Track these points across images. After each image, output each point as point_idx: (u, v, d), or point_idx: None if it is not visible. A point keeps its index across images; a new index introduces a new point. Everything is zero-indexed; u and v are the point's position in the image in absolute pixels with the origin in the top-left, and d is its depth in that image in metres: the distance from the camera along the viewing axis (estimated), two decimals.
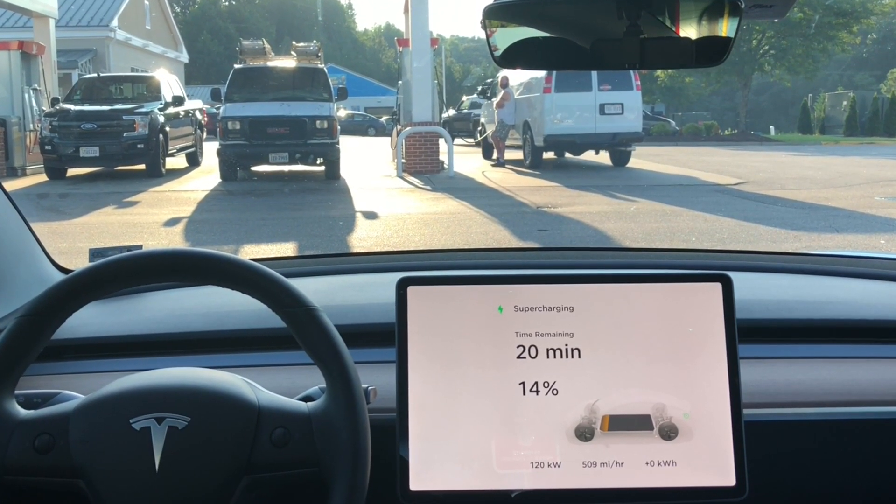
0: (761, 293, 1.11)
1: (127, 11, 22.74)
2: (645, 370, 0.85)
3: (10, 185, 10.49)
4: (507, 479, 0.83)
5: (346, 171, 11.70)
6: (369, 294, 1.13)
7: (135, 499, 0.73)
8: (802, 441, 0.90)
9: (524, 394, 0.85)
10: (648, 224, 7.64)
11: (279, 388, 0.84)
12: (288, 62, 12.77)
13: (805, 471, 0.91)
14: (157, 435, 0.74)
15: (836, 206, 8.51)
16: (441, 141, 12.36)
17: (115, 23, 21.87)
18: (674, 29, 0.89)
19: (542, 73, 12.42)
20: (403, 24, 14.57)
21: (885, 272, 1.20)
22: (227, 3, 48.13)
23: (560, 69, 1.24)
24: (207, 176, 11.90)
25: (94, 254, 1.16)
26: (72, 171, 11.73)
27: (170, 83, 13.50)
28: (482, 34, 0.90)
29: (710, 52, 0.88)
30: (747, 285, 1.09)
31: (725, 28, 0.87)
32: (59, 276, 1.20)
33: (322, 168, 11.35)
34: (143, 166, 11.67)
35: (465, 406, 0.85)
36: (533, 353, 0.85)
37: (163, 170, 11.91)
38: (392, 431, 0.84)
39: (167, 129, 12.07)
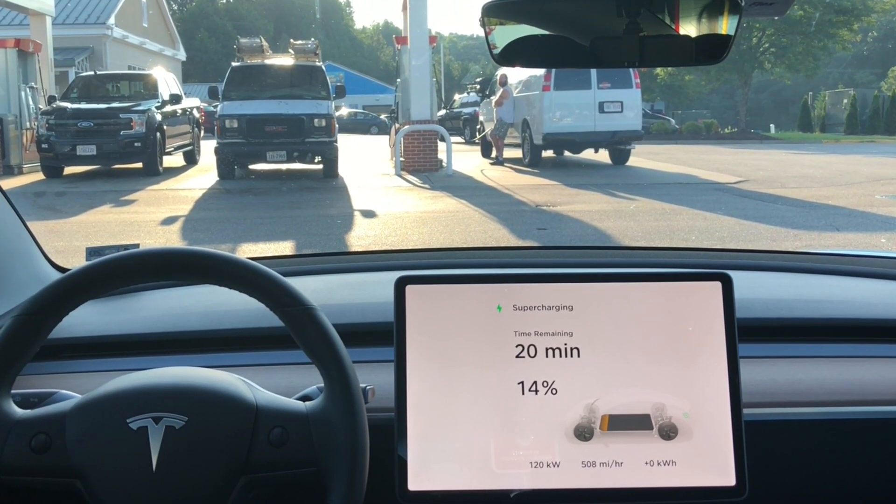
0: (761, 292, 1.10)
1: (124, 9, 22.70)
2: (644, 370, 0.85)
3: (7, 184, 10.50)
4: (505, 479, 0.83)
5: (344, 169, 11.70)
6: (367, 293, 1.13)
7: (132, 499, 0.73)
8: (803, 441, 0.90)
9: (523, 393, 0.84)
10: (648, 223, 7.64)
11: (277, 387, 0.84)
12: (286, 60, 12.76)
13: (805, 471, 0.90)
14: (155, 435, 0.74)
15: (837, 205, 8.52)
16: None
17: (111, 20, 21.84)
18: (673, 27, 0.89)
19: (541, 71, 12.42)
20: (402, 21, 14.56)
21: (885, 271, 1.20)
22: (224, 1, 48.07)
23: (559, 67, 1.24)
24: (205, 174, 11.89)
25: (91, 252, 1.16)
26: (69, 170, 11.72)
27: (167, 81, 13.48)
28: (481, 32, 0.90)
29: (710, 49, 0.88)
30: (747, 284, 1.09)
31: (725, 26, 0.87)
32: (56, 275, 1.20)
33: (320, 166, 11.34)
34: (140, 165, 11.66)
35: (463, 406, 0.84)
36: (532, 353, 0.85)
37: (160, 168, 11.90)
38: (390, 431, 0.84)
39: (164, 127, 12.06)
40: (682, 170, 12.75)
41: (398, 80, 14.44)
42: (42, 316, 0.76)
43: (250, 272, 0.77)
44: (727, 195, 9.57)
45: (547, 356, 0.85)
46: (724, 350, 0.85)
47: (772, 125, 31.19)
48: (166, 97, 12.58)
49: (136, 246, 0.88)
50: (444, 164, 12.10)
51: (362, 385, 0.79)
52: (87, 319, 1.06)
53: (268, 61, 12.56)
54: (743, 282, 0.97)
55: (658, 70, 27.25)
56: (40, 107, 12.43)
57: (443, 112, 22.93)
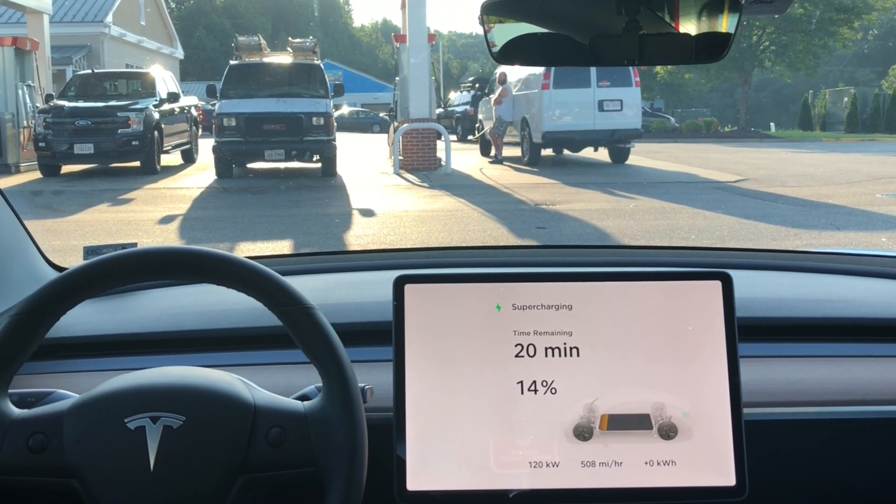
0: (761, 291, 1.10)
1: (121, 7, 22.67)
2: (644, 369, 0.84)
3: (4, 182, 10.50)
4: (505, 479, 0.83)
5: (342, 167, 11.69)
6: (366, 292, 1.12)
7: (129, 499, 0.73)
8: (803, 440, 0.90)
9: (522, 393, 0.84)
10: (648, 222, 7.64)
11: (275, 387, 0.84)
12: (284, 58, 12.74)
13: (805, 470, 0.90)
14: (152, 434, 0.74)
15: (837, 204, 8.52)
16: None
17: (109, 18, 21.81)
18: (673, 25, 0.89)
19: (540, 70, 12.41)
20: (400, 19, 14.54)
21: (886, 270, 1.20)
22: None
23: (558, 65, 1.24)
24: (203, 173, 11.88)
25: (89, 252, 1.16)
26: (66, 168, 11.70)
27: (165, 79, 13.46)
28: (480, 30, 0.89)
29: (710, 48, 0.87)
30: (747, 283, 1.08)
31: (725, 24, 0.86)
32: (53, 274, 1.20)
33: (318, 165, 11.33)
34: (137, 163, 11.65)
35: (462, 405, 0.84)
36: (531, 352, 0.85)
37: (158, 167, 11.89)
38: (389, 431, 0.83)
39: (162, 125, 12.05)
40: (681, 168, 12.75)
41: (397, 78, 14.43)
42: (39, 315, 0.76)
43: (248, 271, 0.77)
44: (727, 194, 9.57)
45: (546, 356, 0.85)
46: (724, 349, 0.84)
47: (772, 124, 31.20)
48: (164, 95, 12.56)
49: (134, 245, 0.88)
50: (443, 163, 12.09)
51: (361, 385, 0.78)
52: (84, 319, 1.06)
53: (266, 59, 12.54)
54: (743, 281, 0.97)
55: (658, 68, 27.25)
56: (37, 105, 12.40)
57: (439, 110, 22.98)
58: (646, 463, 0.83)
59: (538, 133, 12.70)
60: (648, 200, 8.95)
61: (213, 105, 11.97)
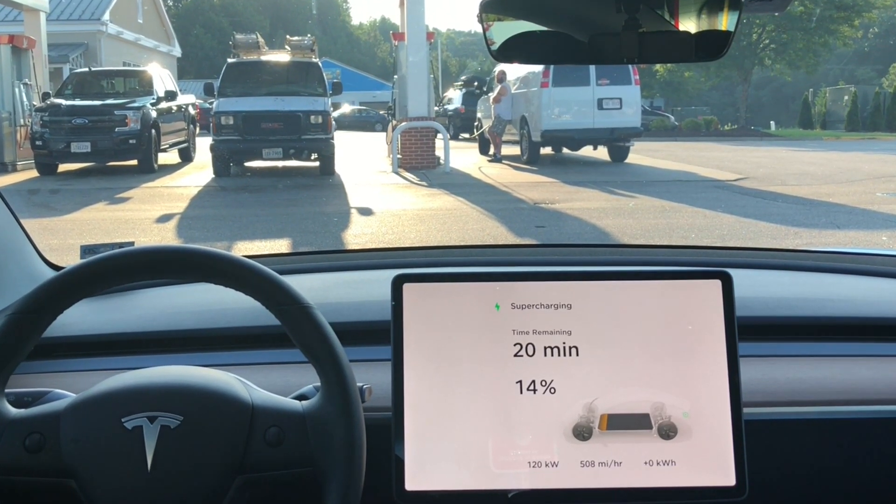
0: (761, 290, 1.10)
1: (118, 5, 22.63)
2: (644, 369, 0.84)
3: (1, 181, 10.48)
4: (504, 478, 0.82)
5: (340, 166, 11.68)
6: (364, 291, 1.12)
7: (127, 499, 0.73)
8: (803, 440, 0.89)
9: (521, 392, 0.84)
10: (647, 220, 7.64)
11: (273, 386, 0.83)
12: (282, 56, 12.72)
13: (806, 470, 0.90)
14: (150, 434, 0.73)
15: (838, 203, 8.53)
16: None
17: (106, 16, 21.77)
18: (673, 23, 0.88)
19: (539, 68, 12.40)
20: (399, 17, 14.53)
21: (886, 269, 1.19)
22: None
23: (558, 63, 1.23)
24: (200, 172, 11.86)
25: (86, 250, 1.15)
26: (63, 167, 11.68)
27: (162, 78, 13.44)
28: (479, 28, 0.89)
29: (710, 46, 0.87)
30: (747, 282, 1.08)
31: (725, 22, 0.86)
32: (50, 273, 1.19)
33: (316, 163, 11.32)
34: (134, 162, 11.63)
35: (461, 405, 0.84)
36: (530, 352, 0.84)
37: (155, 165, 11.87)
38: (387, 430, 0.83)
39: (159, 124, 12.03)
40: (681, 167, 12.76)
41: (395, 76, 14.42)
42: (36, 315, 0.76)
43: (246, 270, 0.77)
44: (727, 192, 9.57)
45: (545, 355, 0.84)
46: (724, 349, 0.84)
47: (772, 122, 31.20)
48: (161, 94, 12.54)
49: (131, 244, 0.88)
50: (442, 161, 12.09)
51: (359, 384, 0.78)
52: (81, 318, 1.05)
53: (264, 58, 12.52)
54: (743, 280, 0.96)
55: (657, 66, 27.25)
56: (34, 103, 12.38)
57: (436, 108, 22.99)
58: (645, 463, 0.82)
59: (537, 131, 12.69)
60: (648, 199, 8.95)
61: (211, 103, 11.95)
